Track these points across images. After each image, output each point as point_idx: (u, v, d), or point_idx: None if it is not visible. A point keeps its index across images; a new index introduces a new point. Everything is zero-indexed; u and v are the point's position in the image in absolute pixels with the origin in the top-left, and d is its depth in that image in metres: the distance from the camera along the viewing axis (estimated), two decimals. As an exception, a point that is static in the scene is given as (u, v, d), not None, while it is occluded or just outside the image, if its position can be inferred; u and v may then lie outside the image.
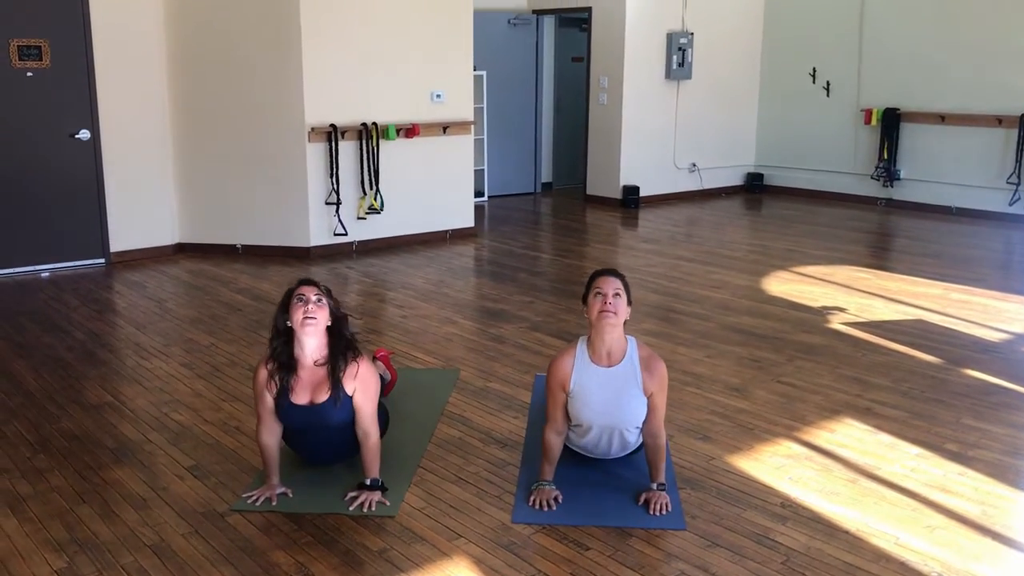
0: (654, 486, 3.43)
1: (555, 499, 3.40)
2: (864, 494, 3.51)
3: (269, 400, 3.43)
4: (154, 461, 3.81)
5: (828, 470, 3.72)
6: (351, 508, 3.36)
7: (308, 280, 3.47)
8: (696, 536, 3.20)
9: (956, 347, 5.33)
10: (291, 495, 3.45)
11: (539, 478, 3.49)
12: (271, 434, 3.47)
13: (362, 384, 3.44)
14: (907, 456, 3.85)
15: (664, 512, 3.34)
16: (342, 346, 3.45)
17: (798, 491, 3.53)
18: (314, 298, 3.38)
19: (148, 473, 3.69)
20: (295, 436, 3.55)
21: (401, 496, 3.47)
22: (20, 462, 3.79)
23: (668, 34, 10.42)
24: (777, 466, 3.75)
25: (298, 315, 3.36)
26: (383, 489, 3.45)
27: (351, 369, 3.42)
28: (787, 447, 3.94)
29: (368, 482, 3.44)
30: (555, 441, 3.50)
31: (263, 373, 3.44)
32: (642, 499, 3.41)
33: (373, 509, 3.36)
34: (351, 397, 3.42)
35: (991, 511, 3.38)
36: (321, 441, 3.54)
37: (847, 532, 3.22)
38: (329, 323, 3.42)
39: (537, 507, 3.37)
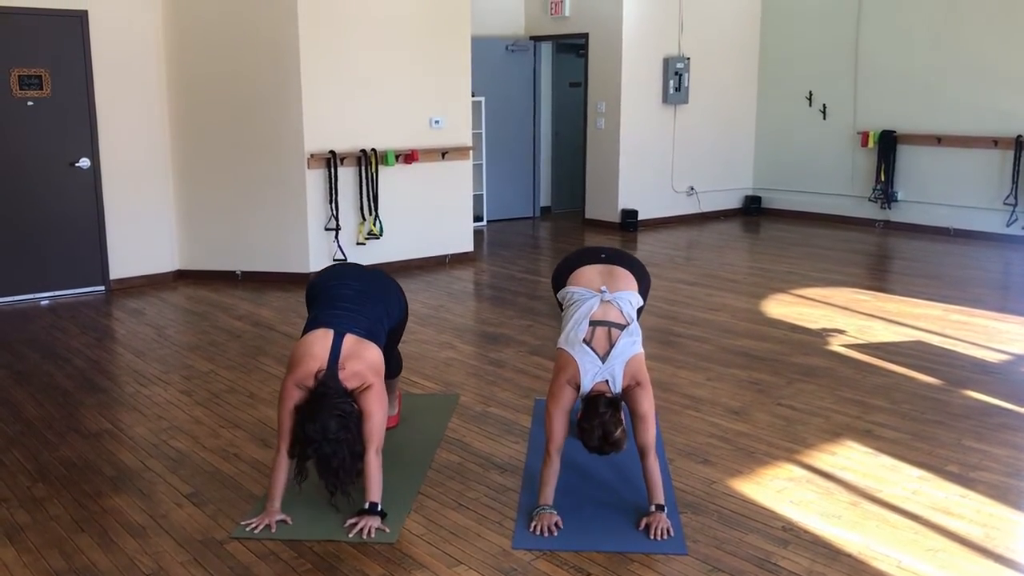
0: (653, 508, 3.42)
1: (556, 524, 3.39)
2: (866, 517, 3.50)
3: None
4: (153, 489, 3.80)
5: (829, 493, 3.71)
6: (350, 535, 3.35)
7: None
8: (697, 561, 3.18)
9: (956, 368, 5.32)
10: (290, 522, 3.43)
11: (539, 503, 3.48)
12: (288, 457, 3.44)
13: (368, 414, 3.42)
14: (908, 478, 3.84)
15: (665, 536, 3.33)
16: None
17: (799, 514, 3.52)
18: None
19: (147, 501, 3.68)
20: None
21: (401, 522, 3.46)
22: (19, 491, 3.78)
23: (665, 59, 10.49)
24: (778, 489, 3.74)
25: None
26: (382, 515, 3.43)
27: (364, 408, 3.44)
28: (788, 470, 3.93)
29: (367, 507, 3.42)
30: (557, 460, 3.48)
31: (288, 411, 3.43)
32: (643, 524, 3.40)
33: (372, 536, 3.34)
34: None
35: (994, 533, 3.36)
36: None
37: (849, 555, 3.21)
38: None
39: (538, 533, 3.36)
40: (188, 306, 7.03)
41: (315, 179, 7.62)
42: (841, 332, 6.11)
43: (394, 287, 4.07)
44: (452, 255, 8.64)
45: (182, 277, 7.86)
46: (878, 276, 8.33)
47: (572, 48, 11.46)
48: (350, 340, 3.50)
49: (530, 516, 3.45)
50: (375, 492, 3.44)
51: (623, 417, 3.38)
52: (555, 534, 3.36)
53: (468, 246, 8.79)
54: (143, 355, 5.73)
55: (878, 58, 10.30)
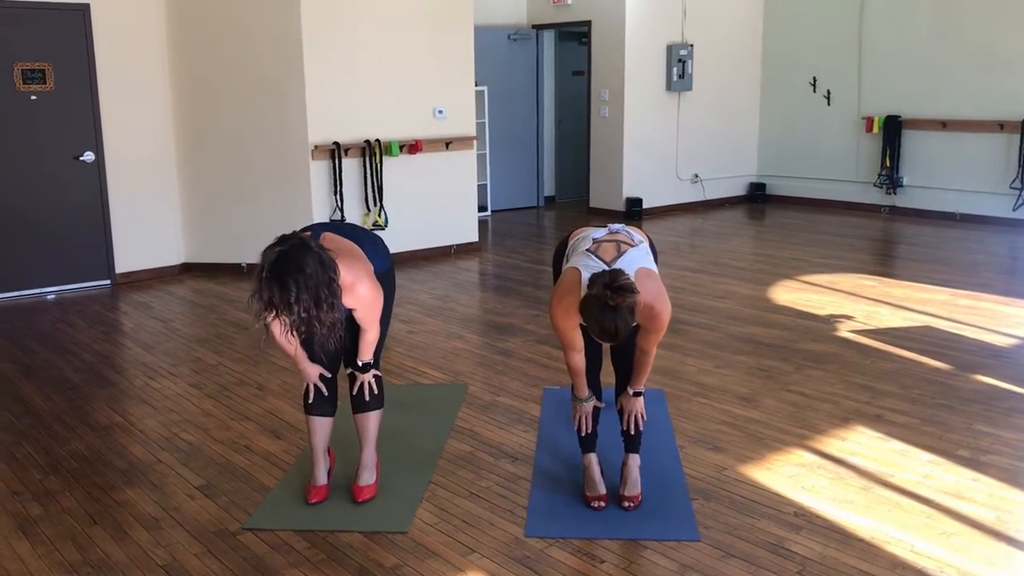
0: (631, 391, 3.48)
1: (594, 413, 3.52)
2: (878, 502, 3.50)
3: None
4: (164, 481, 3.81)
5: (841, 478, 3.71)
6: (353, 392, 3.52)
7: (268, 302, 2.98)
8: (710, 547, 3.18)
9: (964, 353, 5.32)
10: (328, 374, 3.53)
11: (575, 395, 3.51)
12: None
13: (361, 302, 3.30)
14: (919, 463, 3.84)
15: (639, 423, 3.48)
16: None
17: (811, 500, 3.52)
18: (282, 328, 3.20)
19: (159, 493, 3.69)
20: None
21: (413, 512, 3.46)
22: (31, 484, 3.79)
23: (668, 46, 10.46)
24: (789, 475, 3.74)
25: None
26: (375, 366, 3.53)
27: (346, 287, 3.20)
28: (799, 456, 3.93)
29: (360, 364, 3.51)
30: (580, 359, 3.40)
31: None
32: (619, 405, 3.54)
33: (375, 390, 3.53)
34: (351, 310, 3.34)
35: (1005, 516, 3.36)
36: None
37: (862, 540, 3.21)
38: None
39: (578, 424, 3.50)
40: (195, 299, 7.04)
41: (319, 170, 7.62)
42: (848, 318, 6.10)
43: (377, 236, 3.79)
44: (457, 245, 8.64)
45: (188, 270, 7.86)
46: (884, 262, 8.32)
47: (575, 36, 11.44)
48: (329, 235, 3.37)
49: (571, 408, 3.56)
50: (367, 355, 3.49)
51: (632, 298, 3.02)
52: (590, 425, 3.50)
53: (473, 236, 8.79)
54: (151, 348, 5.74)
55: (882, 43, 10.25)
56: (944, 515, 3.38)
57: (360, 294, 3.29)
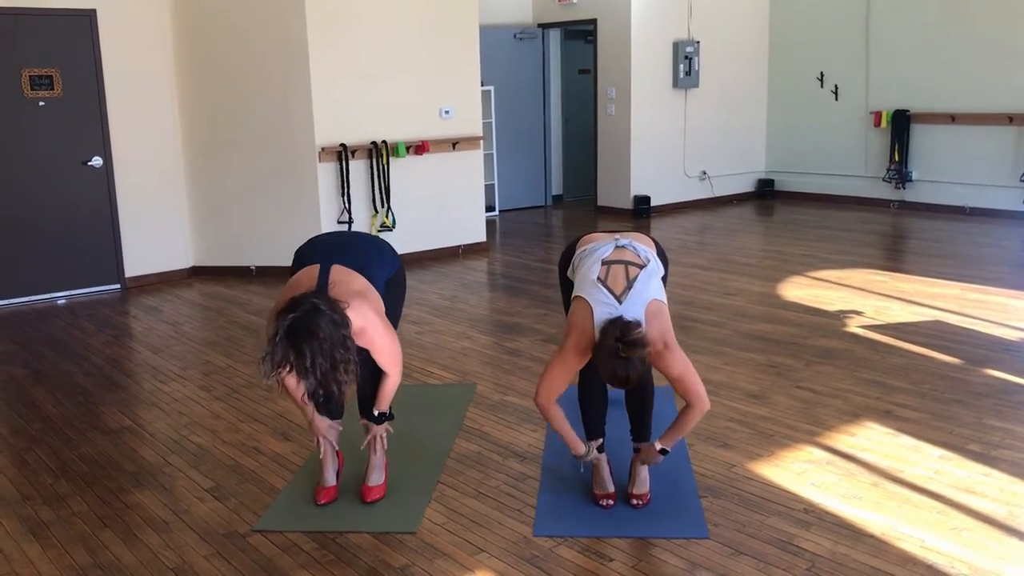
0: (657, 445, 3.37)
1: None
2: (888, 497, 3.48)
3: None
4: (174, 484, 3.82)
5: (851, 474, 3.69)
6: (362, 447, 3.60)
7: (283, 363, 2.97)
8: (720, 544, 3.17)
9: (975, 347, 5.29)
10: (340, 427, 3.62)
11: (580, 457, 3.50)
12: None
13: (372, 346, 3.30)
14: (930, 458, 3.82)
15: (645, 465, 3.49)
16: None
17: (821, 496, 3.51)
18: (296, 383, 3.21)
19: (169, 496, 3.70)
20: None
21: (422, 512, 3.47)
22: (42, 488, 3.81)
23: (674, 43, 10.44)
24: (799, 472, 3.73)
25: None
26: (390, 417, 3.59)
27: (357, 332, 3.17)
28: (808, 452, 3.92)
29: (376, 414, 3.53)
30: (560, 413, 3.38)
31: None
32: (636, 450, 3.56)
33: (385, 446, 3.60)
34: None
35: (1017, 511, 3.34)
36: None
37: (872, 536, 3.19)
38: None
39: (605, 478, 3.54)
40: (204, 302, 7.06)
41: (327, 172, 7.63)
42: (858, 313, 6.08)
43: (383, 242, 3.83)
44: (465, 246, 8.64)
45: (197, 273, 7.89)
46: (894, 256, 8.28)
47: (580, 34, 11.42)
48: (338, 269, 3.35)
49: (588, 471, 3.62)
50: (384, 404, 3.50)
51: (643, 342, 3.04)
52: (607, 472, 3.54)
53: (481, 236, 8.79)
54: (161, 352, 5.75)
55: (890, 36, 10.21)
56: (955, 510, 3.36)
57: (371, 338, 3.27)
